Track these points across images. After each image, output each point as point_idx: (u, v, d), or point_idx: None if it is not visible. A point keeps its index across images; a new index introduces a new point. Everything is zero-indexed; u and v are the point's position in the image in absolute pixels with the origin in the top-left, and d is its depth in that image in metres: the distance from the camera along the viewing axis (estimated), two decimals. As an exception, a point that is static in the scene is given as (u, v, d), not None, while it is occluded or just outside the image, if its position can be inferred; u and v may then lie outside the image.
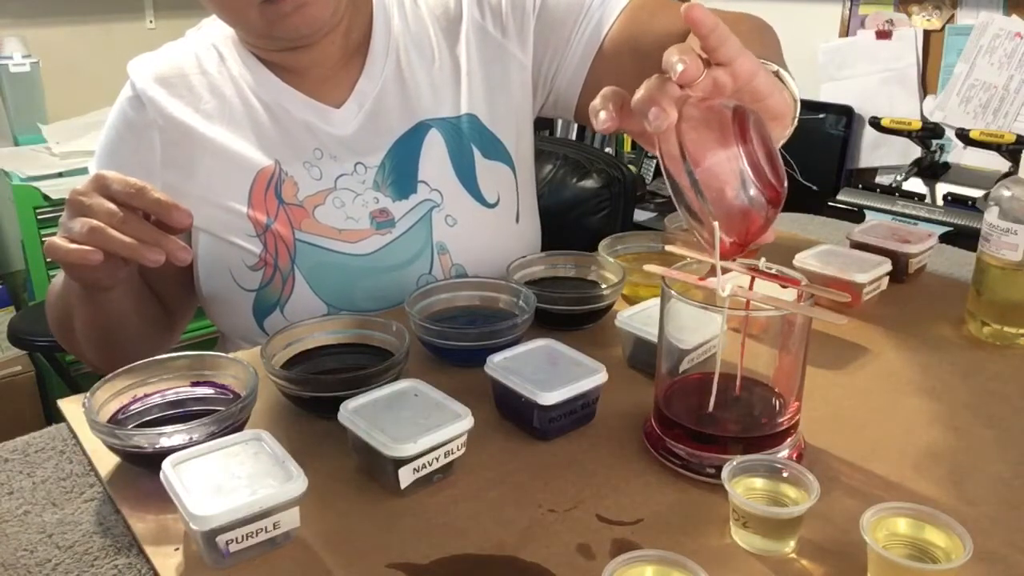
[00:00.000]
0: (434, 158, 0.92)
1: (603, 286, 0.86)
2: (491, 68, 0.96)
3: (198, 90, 0.90)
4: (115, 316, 0.83)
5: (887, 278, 0.90)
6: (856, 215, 1.79)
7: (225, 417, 0.60)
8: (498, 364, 0.67)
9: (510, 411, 0.67)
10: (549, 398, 0.62)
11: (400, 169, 0.91)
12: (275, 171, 0.89)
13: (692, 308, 0.59)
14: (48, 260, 2.18)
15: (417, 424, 0.59)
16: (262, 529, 0.52)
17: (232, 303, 0.90)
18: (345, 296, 0.89)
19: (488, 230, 0.95)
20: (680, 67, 0.52)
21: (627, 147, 2.72)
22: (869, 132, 2.01)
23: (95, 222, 0.67)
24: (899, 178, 1.94)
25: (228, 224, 0.88)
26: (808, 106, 2.13)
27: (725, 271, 0.61)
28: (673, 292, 0.59)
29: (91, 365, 0.93)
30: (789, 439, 0.61)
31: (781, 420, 0.60)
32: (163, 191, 0.70)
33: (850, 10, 2.06)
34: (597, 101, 0.56)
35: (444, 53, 0.95)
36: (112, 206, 0.68)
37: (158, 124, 0.89)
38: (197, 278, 0.93)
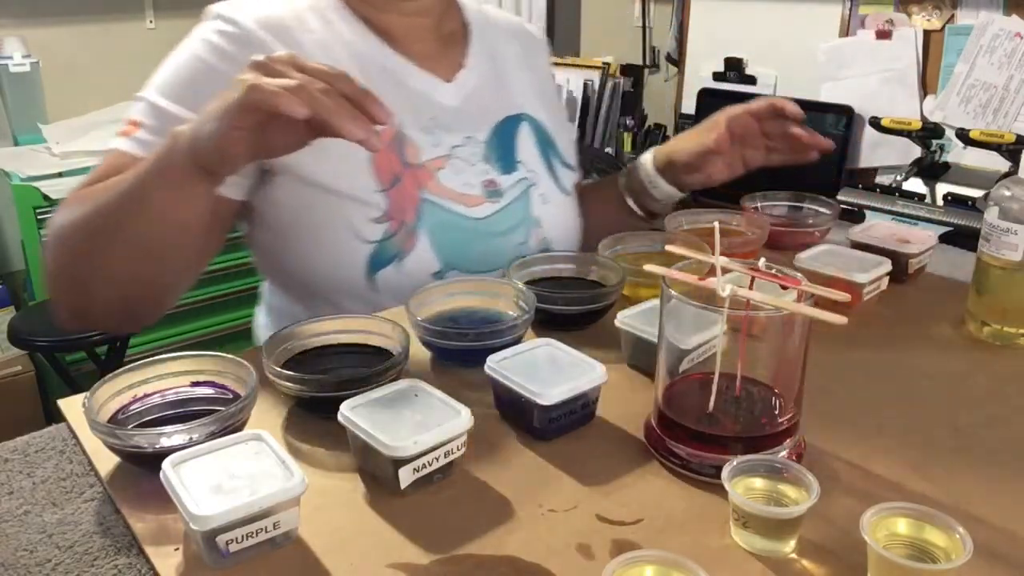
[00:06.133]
0: (526, 145, 1.02)
1: (603, 286, 0.86)
2: (556, 108, 1.11)
3: (307, 46, 0.89)
4: (186, 218, 0.74)
5: (887, 278, 0.90)
6: (856, 215, 1.79)
7: (225, 417, 0.60)
8: (498, 364, 0.67)
9: (510, 411, 0.67)
10: (549, 398, 0.62)
11: (503, 147, 0.99)
12: (395, 133, 0.91)
13: (692, 308, 0.59)
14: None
15: (417, 424, 0.59)
16: (262, 529, 0.52)
17: (344, 254, 0.89)
18: (460, 254, 0.92)
19: (569, 213, 1.05)
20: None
21: (627, 147, 2.72)
22: (869, 132, 2.01)
23: (301, 78, 0.62)
24: (899, 178, 1.94)
25: (349, 179, 0.87)
26: (808, 106, 2.10)
27: (725, 271, 0.61)
28: (673, 292, 0.59)
29: (106, 291, 0.78)
30: (789, 439, 0.61)
31: (781, 420, 0.60)
32: None
33: (850, 10, 2.06)
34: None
35: (524, 67, 1.07)
36: (310, 76, 0.63)
37: None
38: (288, 231, 0.90)
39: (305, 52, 0.87)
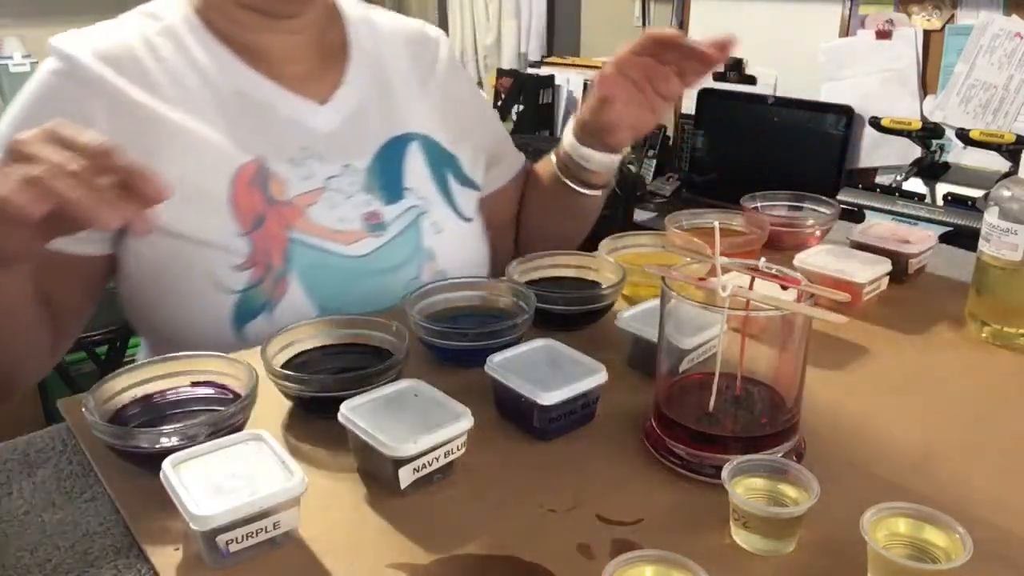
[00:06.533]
0: (416, 168, 0.93)
1: (603, 286, 0.86)
2: (461, 112, 1.01)
3: (155, 75, 0.82)
4: (5, 301, 0.70)
5: (887, 278, 0.90)
6: (856, 215, 1.79)
7: (225, 417, 0.60)
8: (498, 364, 0.67)
9: (510, 411, 0.67)
10: (549, 398, 0.62)
11: (388, 174, 0.91)
12: (258, 168, 0.84)
13: (692, 308, 0.59)
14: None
15: (417, 424, 0.59)
16: (262, 529, 0.52)
17: (206, 307, 0.82)
18: (338, 298, 0.85)
19: (469, 242, 0.97)
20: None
21: (627, 147, 2.72)
22: (869, 132, 2.01)
23: (42, 168, 0.56)
24: (899, 178, 1.94)
25: (205, 224, 0.81)
26: (808, 106, 2.12)
27: (725, 271, 0.61)
28: (673, 292, 0.59)
29: None
30: (789, 439, 0.61)
31: (781, 420, 0.60)
32: None
33: (850, 10, 2.06)
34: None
35: (416, 79, 0.98)
36: (66, 155, 0.57)
37: (104, 101, 0.79)
38: (148, 283, 0.84)
39: (152, 82, 0.82)
